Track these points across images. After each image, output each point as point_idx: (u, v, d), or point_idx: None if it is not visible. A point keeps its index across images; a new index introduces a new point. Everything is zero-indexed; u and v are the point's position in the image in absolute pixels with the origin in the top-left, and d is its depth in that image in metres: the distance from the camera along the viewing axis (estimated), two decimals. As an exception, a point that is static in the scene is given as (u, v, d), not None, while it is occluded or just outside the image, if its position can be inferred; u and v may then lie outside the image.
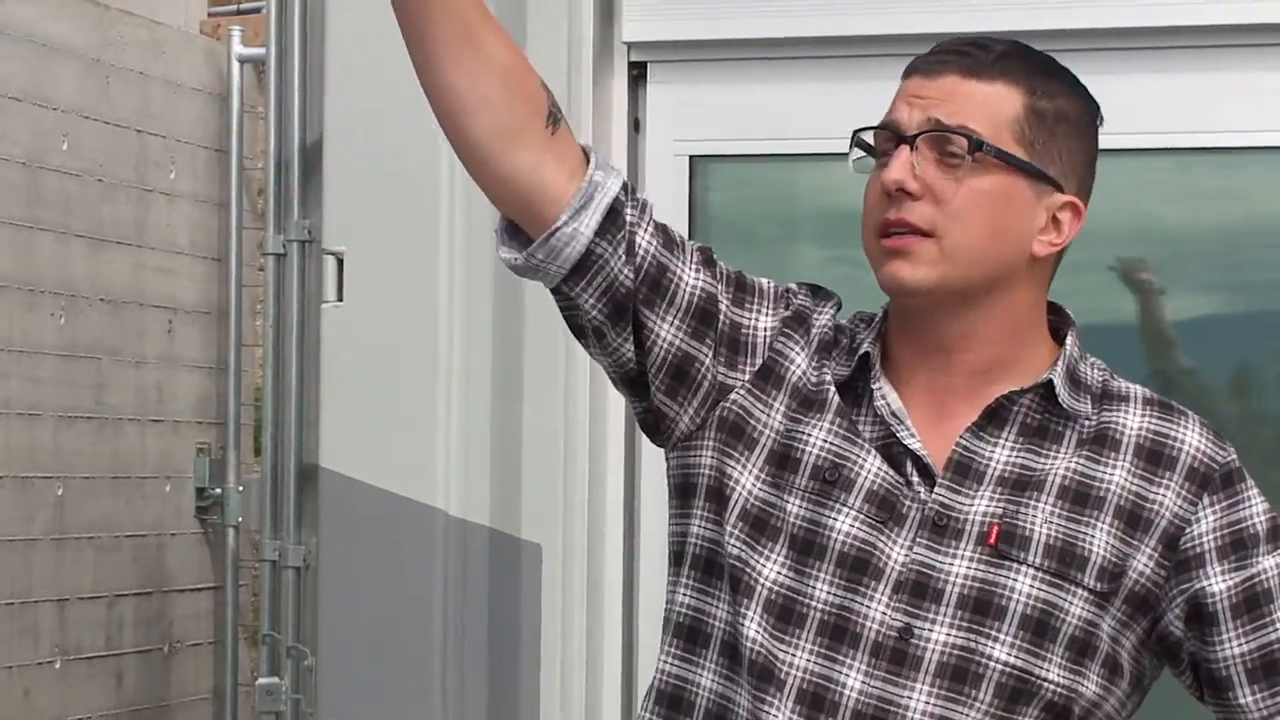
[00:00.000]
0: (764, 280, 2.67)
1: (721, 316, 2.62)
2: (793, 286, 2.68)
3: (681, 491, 2.66)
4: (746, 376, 2.63)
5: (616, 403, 4.43)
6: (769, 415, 2.62)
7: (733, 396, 2.63)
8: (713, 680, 2.60)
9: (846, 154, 2.58)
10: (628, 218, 2.57)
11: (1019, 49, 2.61)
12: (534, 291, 4.36)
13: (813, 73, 4.42)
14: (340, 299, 4.50)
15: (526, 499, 4.37)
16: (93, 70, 6.68)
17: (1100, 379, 2.62)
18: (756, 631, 2.56)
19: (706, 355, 2.62)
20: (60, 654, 6.47)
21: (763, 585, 2.57)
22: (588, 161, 2.57)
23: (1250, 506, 2.56)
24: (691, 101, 4.47)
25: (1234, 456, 2.58)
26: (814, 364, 2.63)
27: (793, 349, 2.64)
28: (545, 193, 2.55)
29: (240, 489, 6.95)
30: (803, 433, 2.60)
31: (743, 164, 4.55)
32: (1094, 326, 4.56)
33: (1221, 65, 4.31)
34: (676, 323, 2.60)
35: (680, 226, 4.41)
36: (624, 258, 2.57)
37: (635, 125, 4.50)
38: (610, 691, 4.43)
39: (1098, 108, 2.63)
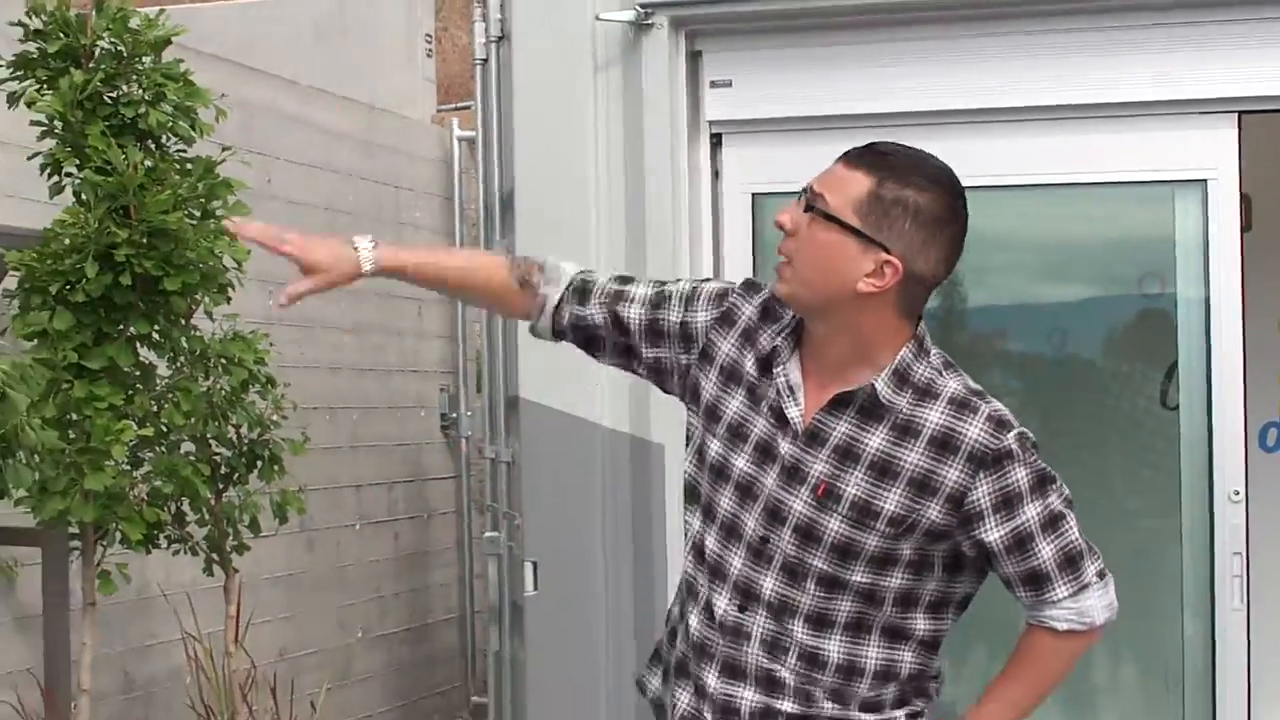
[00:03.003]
0: (710, 286, 2.68)
1: (670, 326, 2.66)
2: (730, 288, 2.67)
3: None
4: (695, 357, 2.64)
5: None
6: (708, 383, 2.62)
7: (691, 372, 2.64)
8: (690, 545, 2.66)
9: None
10: (574, 300, 2.70)
11: (895, 154, 2.51)
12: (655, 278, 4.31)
13: (836, 137, 4.32)
14: (530, 288, 4.46)
15: (654, 414, 4.31)
16: (364, 149, 6.66)
17: (929, 377, 2.50)
18: (699, 524, 2.62)
19: (667, 352, 2.66)
20: (359, 520, 6.47)
21: (703, 493, 2.62)
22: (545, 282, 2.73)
23: (1014, 475, 2.46)
24: (753, 158, 4.41)
25: (1006, 443, 2.46)
26: (737, 347, 2.61)
27: (720, 340, 2.62)
28: (525, 313, 2.74)
29: (469, 414, 6.94)
30: (726, 400, 2.59)
31: (787, 199, 4.42)
32: (1022, 305, 4.56)
33: (1099, 129, 4.20)
34: (644, 341, 2.67)
35: (745, 244, 4.39)
36: (572, 327, 2.71)
37: (715, 174, 4.43)
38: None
39: (949, 207, 2.48)
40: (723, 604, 2.54)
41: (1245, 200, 4.17)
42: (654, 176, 4.32)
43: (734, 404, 2.58)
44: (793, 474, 2.50)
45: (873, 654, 2.51)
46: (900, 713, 2.55)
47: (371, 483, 6.56)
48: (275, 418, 4.46)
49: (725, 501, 2.56)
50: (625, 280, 2.72)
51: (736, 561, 2.54)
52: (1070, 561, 2.50)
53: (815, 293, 2.47)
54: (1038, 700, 2.57)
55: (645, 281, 2.72)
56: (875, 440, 2.47)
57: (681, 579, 2.67)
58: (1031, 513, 2.47)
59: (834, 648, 2.50)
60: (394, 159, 6.87)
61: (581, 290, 2.70)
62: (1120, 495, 4.37)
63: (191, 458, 4.27)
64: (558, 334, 2.72)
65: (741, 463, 2.55)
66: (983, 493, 2.45)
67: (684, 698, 2.60)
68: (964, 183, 4.22)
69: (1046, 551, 2.49)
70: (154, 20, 4.21)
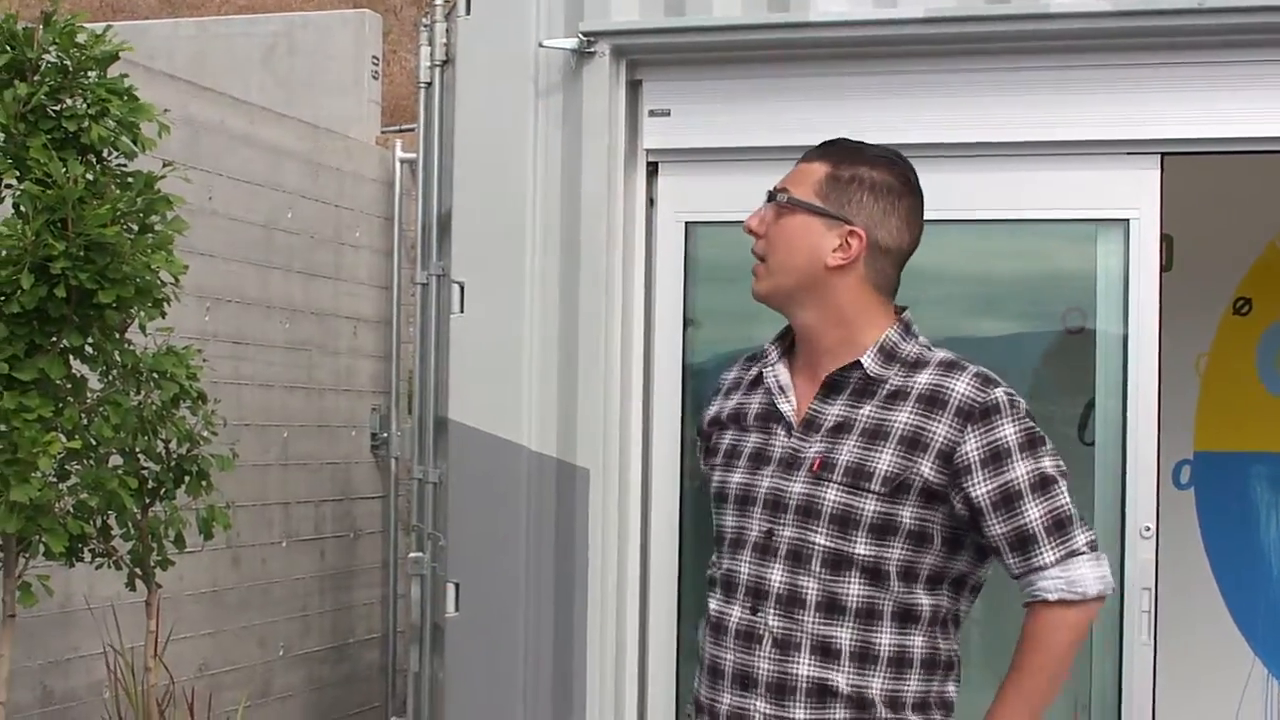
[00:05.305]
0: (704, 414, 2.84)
1: (702, 452, 2.79)
2: (718, 385, 2.82)
3: None
4: (705, 460, 2.79)
5: (638, 384, 4.42)
6: (712, 458, 2.75)
7: (709, 473, 2.75)
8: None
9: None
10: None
11: (846, 142, 2.71)
12: (587, 307, 4.35)
13: (765, 168, 4.37)
14: (462, 311, 4.48)
15: (581, 439, 4.35)
16: (308, 167, 6.67)
17: (917, 352, 2.60)
18: (716, 559, 2.71)
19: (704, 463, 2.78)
20: (286, 537, 6.46)
21: (716, 527, 2.70)
22: None
23: (1002, 429, 2.50)
24: (688, 187, 4.45)
25: (994, 396, 2.52)
26: (725, 408, 2.73)
27: (715, 437, 2.75)
28: None
29: (399, 433, 6.95)
30: (721, 440, 2.72)
31: (719, 228, 4.50)
32: (949, 339, 4.61)
33: (1026, 167, 4.26)
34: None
35: (677, 271, 4.44)
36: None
37: (650, 202, 4.47)
38: (632, 560, 4.41)
39: (902, 178, 2.67)
40: (735, 612, 2.57)
41: (1166, 240, 4.25)
42: (590, 202, 4.35)
43: (727, 436, 2.70)
44: (790, 463, 2.57)
45: (885, 640, 2.50)
46: (915, 718, 2.52)
47: (300, 500, 6.56)
48: (205, 433, 4.47)
49: (729, 519, 2.63)
50: None
51: (744, 567, 2.58)
52: (1059, 525, 2.51)
53: (791, 276, 2.60)
54: (1048, 683, 2.52)
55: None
56: (865, 411, 2.55)
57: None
58: (1020, 471, 2.49)
59: (846, 636, 2.50)
60: (337, 179, 6.89)
61: None
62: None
63: (119, 471, 4.27)
64: None
65: (737, 477, 2.64)
66: (971, 446, 2.49)
67: None
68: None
69: (1034, 512, 2.49)
70: (101, 35, 4.22)
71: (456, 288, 4.49)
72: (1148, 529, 4.09)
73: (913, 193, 2.68)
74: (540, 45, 4.39)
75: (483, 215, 4.47)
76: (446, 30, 5.05)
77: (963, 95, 4.23)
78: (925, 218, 4.28)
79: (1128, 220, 4.16)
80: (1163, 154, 4.14)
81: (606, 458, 4.33)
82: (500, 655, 4.36)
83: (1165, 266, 4.26)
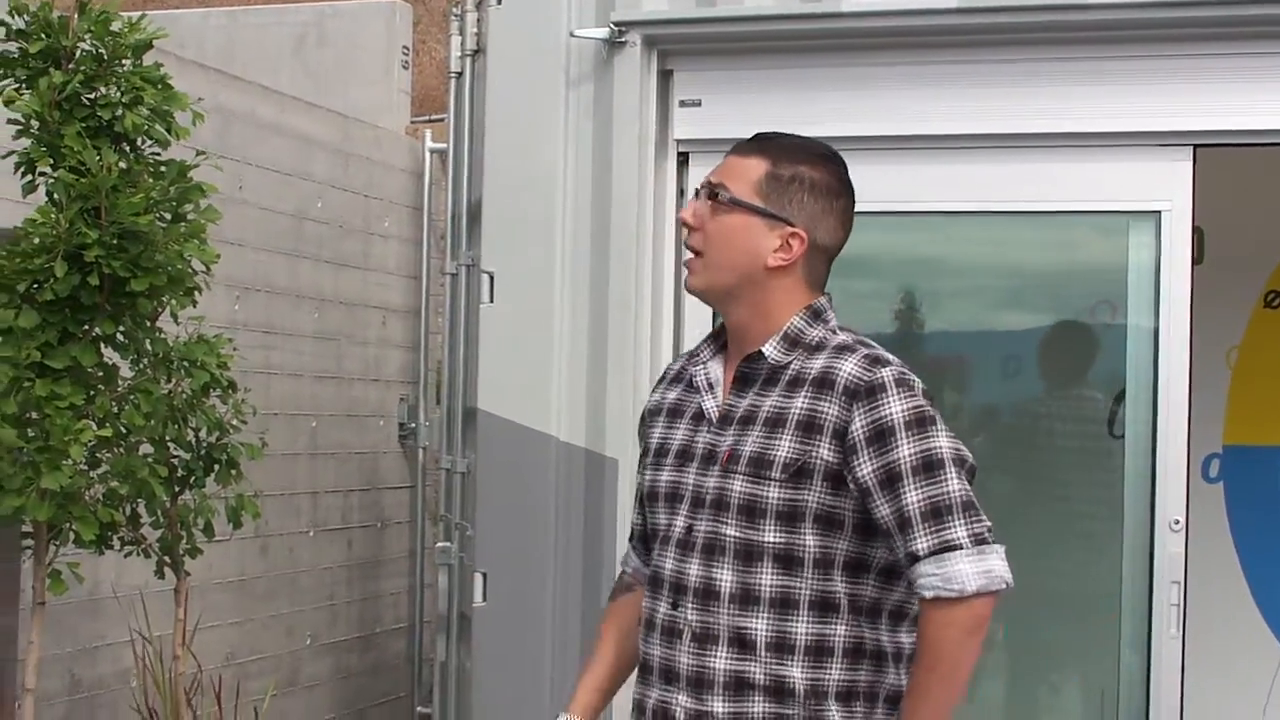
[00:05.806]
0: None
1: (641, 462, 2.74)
2: (664, 374, 2.80)
3: None
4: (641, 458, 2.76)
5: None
6: (643, 468, 2.72)
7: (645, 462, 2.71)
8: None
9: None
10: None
11: (781, 138, 2.64)
12: (617, 297, 4.37)
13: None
14: (491, 301, 4.50)
15: (609, 430, 4.36)
16: (337, 157, 6.69)
17: (821, 337, 2.57)
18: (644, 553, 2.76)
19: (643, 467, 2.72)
20: (313, 527, 6.49)
21: (649, 526, 2.71)
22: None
23: (888, 407, 2.47)
24: (717, 178, 4.45)
25: (880, 375, 2.48)
26: (668, 401, 2.70)
27: (648, 428, 2.73)
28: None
29: (427, 423, 6.98)
30: (651, 440, 2.70)
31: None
32: (979, 331, 4.63)
33: (1058, 159, 4.26)
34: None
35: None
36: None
37: (681, 192, 4.48)
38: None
39: (838, 176, 2.61)
40: (662, 608, 2.58)
41: (1197, 233, 4.25)
42: (620, 193, 4.37)
43: (655, 434, 2.69)
44: (708, 459, 2.57)
45: (802, 629, 2.48)
46: (836, 708, 2.49)
47: (328, 490, 6.58)
48: (235, 422, 4.49)
49: (660, 517, 2.63)
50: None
51: (668, 564, 2.58)
52: (936, 513, 2.43)
53: (729, 275, 2.57)
54: (940, 683, 2.42)
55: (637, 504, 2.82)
56: (769, 400, 2.54)
57: None
58: (905, 451, 2.44)
59: (762, 626, 2.49)
60: (367, 169, 6.91)
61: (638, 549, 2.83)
62: (1065, 521, 4.44)
63: (149, 459, 4.29)
64: None
65: (665, 475, 2.63)
66: (858, 425, 2.46)
67: None
68: (925, 208, 4.33)
69: (913, 496, 2.43)
70: (135, 24, 4.25)
71: (486, 277, 4.51)
72: (1177, 522, 4.08)
73: (847, 191, 2.63)
74: (571, 35, 4.41)
75: (513, 205, 4.49)
76: (477, 20, 5.06)
77: (994, 86, 4.23)
78: (957, 210, 4.33)
79: (1159, 212, 4.16)
80: (1195, 146, 4.14)
81: (635, 448, 4.34)
82: (527, 645, 4.38)
83: (1196, 259, 4.25)
